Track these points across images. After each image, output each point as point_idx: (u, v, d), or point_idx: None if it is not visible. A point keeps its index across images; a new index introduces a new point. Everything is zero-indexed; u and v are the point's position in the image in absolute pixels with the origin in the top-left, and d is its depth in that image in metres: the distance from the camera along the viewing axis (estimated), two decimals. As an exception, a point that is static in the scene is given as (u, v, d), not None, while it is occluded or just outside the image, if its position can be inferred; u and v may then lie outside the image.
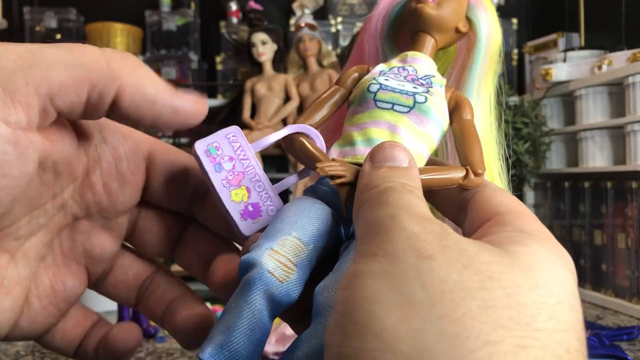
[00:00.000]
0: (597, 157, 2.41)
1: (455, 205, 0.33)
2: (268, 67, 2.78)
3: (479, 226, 0.29)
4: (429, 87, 0.36)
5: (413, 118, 0.34)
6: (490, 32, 0.41)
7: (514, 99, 2.58)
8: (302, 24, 2.59)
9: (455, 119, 0.36)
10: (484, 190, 0.32)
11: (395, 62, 0.38)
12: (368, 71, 0.38)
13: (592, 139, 2.42)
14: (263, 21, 2.95)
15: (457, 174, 0.33)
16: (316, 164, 0.32)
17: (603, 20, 2.71)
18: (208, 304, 2.56)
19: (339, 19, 3.09)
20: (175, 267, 2.73)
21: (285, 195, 2.39)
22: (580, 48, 2.63)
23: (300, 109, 2.55)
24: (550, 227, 2.70)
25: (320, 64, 2.61)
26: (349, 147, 0.35)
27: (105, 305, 2.57)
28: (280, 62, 2.93)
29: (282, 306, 0.30)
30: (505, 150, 0.41)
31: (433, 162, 0.36)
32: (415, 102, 0.34)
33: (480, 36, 0.40)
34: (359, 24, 2.98)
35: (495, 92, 0.41)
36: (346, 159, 0.34)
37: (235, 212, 0.33)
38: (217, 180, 0.33)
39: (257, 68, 2.87)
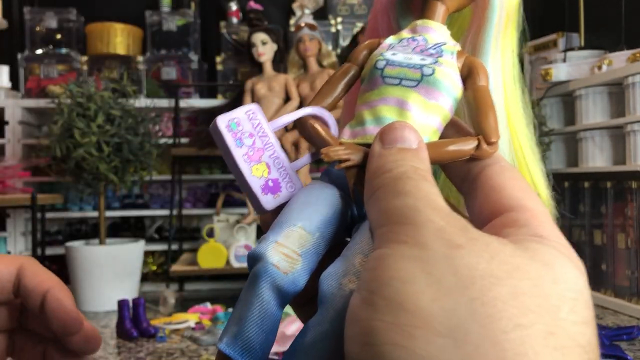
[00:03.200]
0: (596, 157, 2.41)
1: (459, 174, 0.33)
2: (268, 67, 2.78)
3: (488, 217, 0.29)
4: (439, 56, 0.35)
5: (422, 92, 0.34)
6: None
7: (514, 99, 2.58)
8: (302, 24, 2.59)
9: (469, 86, 0.35)
10: (493, 172, 0.31)
11: (405, 32, 0.38)
12: (379, 45, 0.38)
13: (591, 139, 2.42)
14: (263, 21, 2.95)
15: (469, 146, 0.32)
16: (321, 151, 0.33)
17: (603, 21, 2.71)
18: (208, 304, 2.54)
19: (339, 19, 3.09)
20: (175, 267, 2.73)
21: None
22: (580, 48, 2.63)
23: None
24: (550, 227, 2.71)
25: (320, 64, 2.61)
26: (359, 127, 0.35)
27: (105, 305, 2.58)
28: (280, 62, 2.93)
29: (290, 295, 0.30)
30: (531, 112, 0.39)
31: (453, 123, 0.36)
32: (422, 75, 0.34)
33: None
34: (359, 24, 2.98)
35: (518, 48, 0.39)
36: (357, 139, 0.34)
37: (256, 187, 0.34)
38: (238, 155, 0.34)
39: (257, 68, 2.87)
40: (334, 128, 0.36)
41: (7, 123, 2.87)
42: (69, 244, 2.59)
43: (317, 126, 0.35)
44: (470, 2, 0.39)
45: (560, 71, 2.48)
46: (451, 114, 0.35)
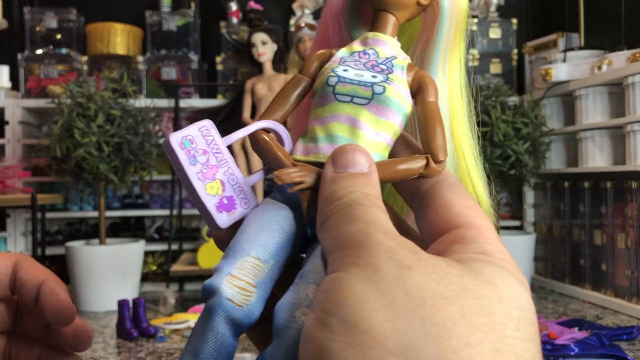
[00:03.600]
0: (596, 157, 2.41)
1: (410, 189, 0.34)
2: (268, 67, 2.78)
3: (438, 232, 0.30)
4: (389, 72, 0.36)
5: (372, 109, 0.34)
6: (453, 0, 0.39)
7: (514, 99, 2.58)
8: (302, 24, 2.59)
9: (419, 101, 0.35)
10: (442, 189, 0.32)
11: (356, 45, 0.38)
12: (330, 56, 0.38)
13: (591, 139, 2.42)
14: (263, 21, 2.95)
15: (417, 164, 0.33)
16: (274, 173, 0.33)
17: (603, 21, 2.71)
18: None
19: (339, 19, 3.09)
20: (175, 267, 2.73)
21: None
22: (580, 48, 2.63)
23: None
24: (550, 227, 2.71)
25: (320, 64, 2.61)
26: (312, 143, 0.35)
27: (105, 305, 2.58)
28: (280, 62, 2.93)
29: (245, 327, 0.31)
30: (475, 121, 0.40)
31: (402, 138, 0.36)
32: (373, 93, 0.34)
33: (443, 5, 0.38)
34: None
35: (465, 60, 0.40)
36: (310, 157, 0.34)
37: (211, 205, 0.34)
38: (192, 173, 0.34)
39: (257, 68, 2.87)
40: (287, 142, 0.36)
41: (7, 123, 2.87)
42: (69, 244, 2.59)
43: (271, 143, 0.35)
44: (420, 12, 0.39)
45: (560, 71, 2.48)
46: (401, 129, 0.36)
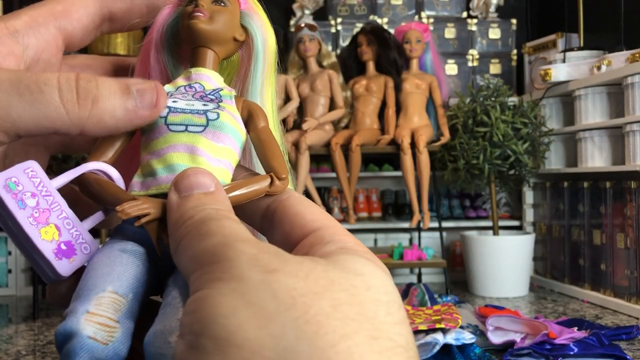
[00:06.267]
0: (596, 157, 2.42)
1: (257, 212, 0.34)
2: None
3: (296, 240, 0.30)
4: (219, 101, 0.36)
5: (209, 136, 0.34)
6: (265, 37, 0.42)
7: (513, 99, 2.58)
8: (302, 25, 2.59)
9: (252, 128, 0.37)
10: (291, 203, 0.33)
11: (180, 80, 0.38)
12: None
13: (591, 139, 2.43)
14: (263, 22, 2.95)
15: (263, 184, 0.33)
16: (116, 208, 0.31)
17: (602, 21, 2.72)
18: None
19: (339, 20, 3.09)
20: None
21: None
22: (580, 48, 2.63)
23: (300, 109, 2.55)
24: (549, 227, 2.72)
25: (320, 65, 2.61)
26: (150, 177, 0.34)
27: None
28: (280, 63, 2.92)
29: None
30: (282, 138, 0.42)
31: (240, 166, 0.37)
32: (208, 119, 0.35)
33: (257, 42, 0.41)
34: (359, 25, 2.98)
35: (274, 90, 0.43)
36: (150, 190, 0.33)
37: (49, 252, 0.30)
38: (22, 217, 0.30)
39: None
40: (119, 183, 0.35)
41: (7, 123, 2.87)
42: (69, 244, 2.59)
43: (104, 181, 0.33)
44: (237, 49, 0.41)
45: (559, 71, 2.48)
46: (239, 157, 0.36)
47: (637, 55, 2.19)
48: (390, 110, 2.56)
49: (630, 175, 2.20)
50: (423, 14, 3.15)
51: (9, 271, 2.77)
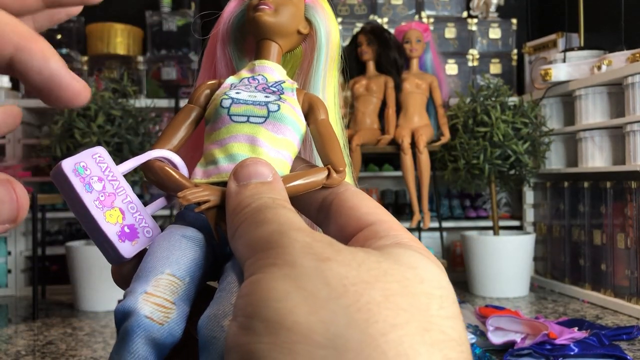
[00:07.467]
0: (596, 157, 2.42)
1: (314, 204, 0.34)
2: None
3: (351, 233, 0.31)
4: (281, 93, 0.37)
5: (270, 127, 0.35)
6: (329, 30, 0.42)
7: (514, 99, 2.58)
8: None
9: (311, 120, 0.37)
10: (347, 196, 0.33)
11: (244, 72, 0.39)
12: (219, 85, 0.38)
13: (591, 139, 2.42)
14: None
15: (320, 176, 0.34)
16: (178, 194, 0.32)
17: (602, 21, 2.71)
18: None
19: (339, 20, 3.09)
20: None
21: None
22: (580, 48, 2.63)
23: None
24: (549, 227, 2.72)
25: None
26: (212, 166, 0.35)
27: (105, 305, 2.58)
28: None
29: (168, 347, 0.29)
30: (345, 137, 0.42)
31: (299, 158, 0.37)
32: (269, 111, 0.35)
33: (320, 35, 0.41)
34: (359, 24, 2.98)
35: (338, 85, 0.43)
36: (211, 178, 0.34)
37: (112, 234, 0.31)
38: (89, 201, 0.31)
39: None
40: (183, 170, 0.35)
41: (7, 123, 2.87)
42: (69, 244, 2.59)
43: (168, 168, 0.34)
44: (301, 42, 0.41)
45: (559, 71, 2.48)
46: (298, 148, 0.37)
47: (638, 55, 2.19)
48: (391, 110, 2.56)
49: (631, 175, 2.19)
50: (423, 14, 3.15)
51: (9, 271, 2.77)
